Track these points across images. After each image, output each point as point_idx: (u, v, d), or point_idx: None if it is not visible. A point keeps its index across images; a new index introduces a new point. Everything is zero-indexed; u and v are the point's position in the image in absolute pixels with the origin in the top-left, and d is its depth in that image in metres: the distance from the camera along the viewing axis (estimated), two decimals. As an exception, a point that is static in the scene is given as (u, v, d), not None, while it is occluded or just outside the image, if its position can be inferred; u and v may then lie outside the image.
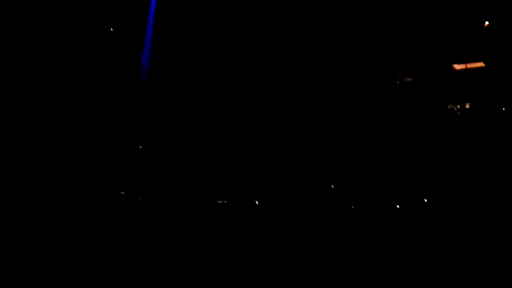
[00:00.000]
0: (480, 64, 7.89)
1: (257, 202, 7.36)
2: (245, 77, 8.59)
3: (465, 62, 7.94)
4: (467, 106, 7.91)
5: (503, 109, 7.69)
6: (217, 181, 7.87)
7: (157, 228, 6.15)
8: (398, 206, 7.08)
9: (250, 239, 5.92)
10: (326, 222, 6.47)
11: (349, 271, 5.22)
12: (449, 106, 7.98)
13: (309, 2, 8.21)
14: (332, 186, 7.75)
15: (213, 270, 5.22)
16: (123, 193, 7.25)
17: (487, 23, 7.80)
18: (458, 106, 7.93)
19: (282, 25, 8.35)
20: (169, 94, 8.57)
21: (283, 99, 8.46)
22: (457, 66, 7.99)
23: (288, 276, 5.14)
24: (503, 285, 4.91)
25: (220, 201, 7.33)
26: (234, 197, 7.50)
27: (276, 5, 8.30)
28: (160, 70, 8.62)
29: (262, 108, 8.45)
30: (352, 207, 7.23)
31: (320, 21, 8.33)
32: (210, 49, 8.55)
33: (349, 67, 8.33)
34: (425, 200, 7.31)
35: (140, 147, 8.13)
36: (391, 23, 8.10)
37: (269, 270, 5.26)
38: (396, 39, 8.11)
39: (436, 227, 6.08)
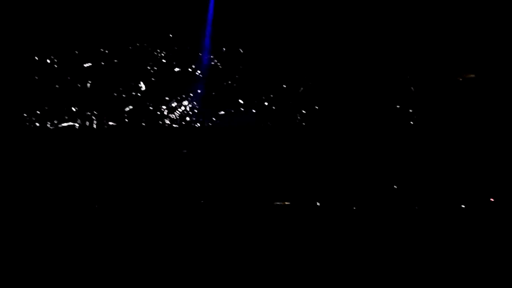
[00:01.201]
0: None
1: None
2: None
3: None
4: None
5: None
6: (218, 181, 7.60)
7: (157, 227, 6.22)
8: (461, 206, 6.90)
9: (249, 238, 5.94)
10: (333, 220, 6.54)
11: (348, 270, 5.28)
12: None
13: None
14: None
15: (212, 269, 5.31)
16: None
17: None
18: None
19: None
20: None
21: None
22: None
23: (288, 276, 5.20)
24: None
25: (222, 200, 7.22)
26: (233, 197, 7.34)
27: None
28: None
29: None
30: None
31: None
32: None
33: (413, 64, 8.12)
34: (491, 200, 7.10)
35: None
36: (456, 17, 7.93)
37: (269, 270, 5.30)
38: (461, 33, 7.93)
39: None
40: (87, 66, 8.17)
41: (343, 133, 7.76)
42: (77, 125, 7.99)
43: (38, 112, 7.95)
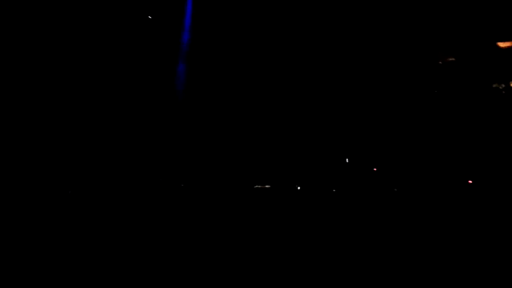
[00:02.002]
0: (527, 41, 7.71)
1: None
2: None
3: (511, 40, 7.76)
4: (513, 84, 7.79)
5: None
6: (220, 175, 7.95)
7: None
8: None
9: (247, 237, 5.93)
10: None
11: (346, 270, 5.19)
12: (494, 85, 7.85)
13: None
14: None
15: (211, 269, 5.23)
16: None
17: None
18: (503, 85, 7.80)
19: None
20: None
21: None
22: (502, 44, 7.80)
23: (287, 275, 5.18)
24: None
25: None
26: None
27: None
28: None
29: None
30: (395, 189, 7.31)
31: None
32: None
33: (391, 49, 8.17)
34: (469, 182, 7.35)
35: None
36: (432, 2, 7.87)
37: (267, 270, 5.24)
38: (438, 19, 7.90)
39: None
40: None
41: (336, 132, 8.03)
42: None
43: None
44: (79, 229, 6.00)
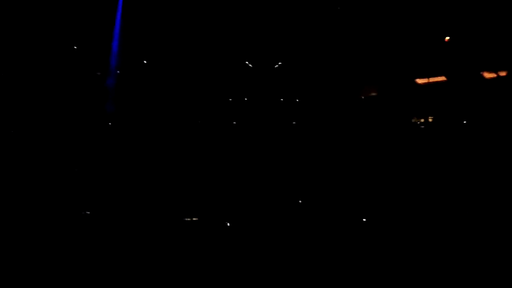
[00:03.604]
0: (442, 78, 8.10)
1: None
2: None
3: (428, 77, 8.13)
4: (430, 119, 8.14)
5: (464, 122, 7.97)
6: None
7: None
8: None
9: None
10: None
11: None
12: (413, 120, 8.18)
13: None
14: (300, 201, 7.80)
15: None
16: None
17: (447, 38, 7.97)
18: (422, 120, 8.14)
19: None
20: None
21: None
22: (420, 81, 8.16)
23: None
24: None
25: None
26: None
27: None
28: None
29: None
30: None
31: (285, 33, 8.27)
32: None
33: (315, 82, 8.35)
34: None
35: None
36: (355, 40, 8.14)
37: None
38: (361, 56, 8.17)
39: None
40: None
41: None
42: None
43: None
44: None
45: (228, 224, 6.92)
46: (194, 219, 6.90)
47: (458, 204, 7.18)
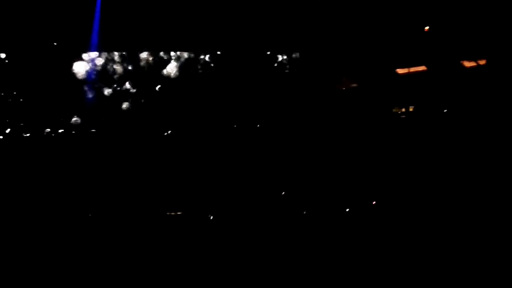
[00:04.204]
0: (423, 68, 8.08)
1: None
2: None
3: (408, 67, 8.11)
4: (411, 109, 8.12)
5: (445, 111, 7.97)
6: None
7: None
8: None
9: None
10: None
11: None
12: (394, 110, 8.15)
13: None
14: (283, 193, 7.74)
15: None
16: None
17: (427, 27, 7.95)
18: (403, 110, 8.12)
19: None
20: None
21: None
22: (400, 71, 8.14)
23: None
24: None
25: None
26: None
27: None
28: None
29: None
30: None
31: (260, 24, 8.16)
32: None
33: (294, 73, 8.28)
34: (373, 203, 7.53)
35: None
36: (334, 29, 8.07)
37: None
38: (340, 45, 8.11)
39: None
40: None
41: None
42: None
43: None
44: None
45: (212, 218, 6.89)
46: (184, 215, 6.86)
47: (443, 196, 7.23)
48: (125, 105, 8.11)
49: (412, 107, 8.14)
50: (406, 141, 7.94)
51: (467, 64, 8.00)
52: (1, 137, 7.67)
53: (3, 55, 7.90)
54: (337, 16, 7.99)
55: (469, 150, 7.57)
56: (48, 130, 7.82)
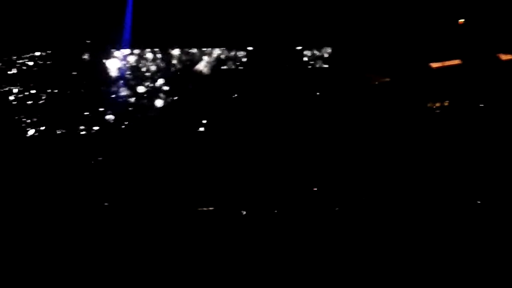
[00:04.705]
0: (457, 62, 7.95)
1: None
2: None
3: (442, 60, 7.99)
4: (446, 104, 7.98)
5: (481, 105, 7.82)
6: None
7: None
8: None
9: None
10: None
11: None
12: (428, 105, 8.02)
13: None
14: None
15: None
16: None
17: (461, 20, 7.83)
18: (437, 104, 7.99)
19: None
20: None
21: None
22: (434, 65, 8.02)
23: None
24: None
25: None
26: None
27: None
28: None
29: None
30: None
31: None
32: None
33: (325, 69, 8.23)
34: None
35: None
36: (366, 23, 8.02)
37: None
38: (372, 40, 8.05)
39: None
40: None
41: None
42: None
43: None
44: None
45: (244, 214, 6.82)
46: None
47: (475, 189, 7.06)
48: (158, 103, 8.15)
49: (447, 101, 8.00)
50: (441, 137, 7.80)
51: (504, 57, 7.85)
52: (36, 134, 7.77)
53: (37, 53, 8.02)
54: (369, 10, 7.94)
55: (506, 147, 7.41)
56: (82, 127, 7.90)
